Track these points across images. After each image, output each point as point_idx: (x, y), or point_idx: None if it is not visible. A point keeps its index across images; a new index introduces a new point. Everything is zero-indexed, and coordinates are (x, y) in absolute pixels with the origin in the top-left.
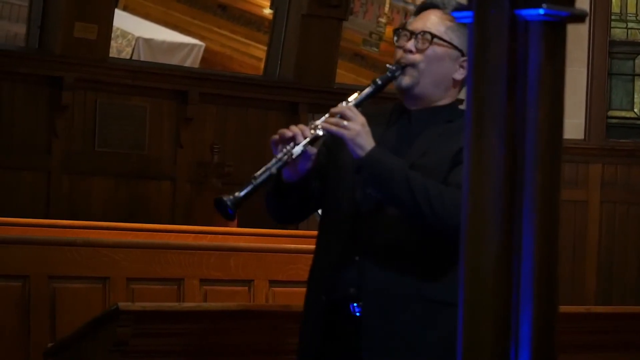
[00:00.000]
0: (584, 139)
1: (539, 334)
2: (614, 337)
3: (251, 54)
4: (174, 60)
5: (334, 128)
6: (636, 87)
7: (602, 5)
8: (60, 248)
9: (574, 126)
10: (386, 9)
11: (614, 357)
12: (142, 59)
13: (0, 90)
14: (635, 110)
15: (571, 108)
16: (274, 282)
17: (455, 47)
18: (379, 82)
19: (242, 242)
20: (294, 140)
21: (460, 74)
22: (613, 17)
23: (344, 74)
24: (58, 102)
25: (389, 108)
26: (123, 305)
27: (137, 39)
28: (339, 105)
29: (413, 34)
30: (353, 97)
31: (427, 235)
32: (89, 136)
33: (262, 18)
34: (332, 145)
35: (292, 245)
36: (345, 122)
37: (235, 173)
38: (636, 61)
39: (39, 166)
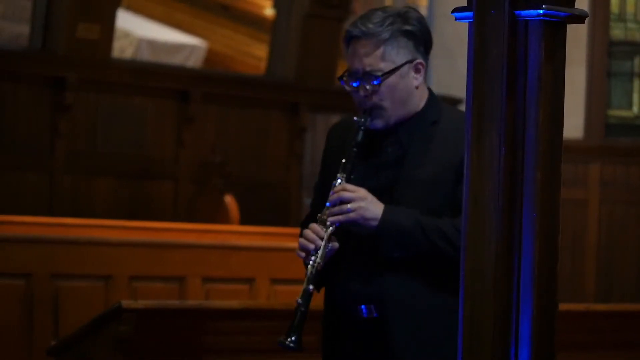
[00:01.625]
0: (583, 139)
1: (539, 332)
2: (614, 335)
3: (253, 54)
4: (176, 60)
5: (341, 218)
6: (635, 87)
7: (601, 6)
8: (63, 247)
9: (573, 126)
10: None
11: (613, 356)
12: (144, 59)
13: (4, 90)
14: (634, 109)
15: (570, 108)
16: (275, 281)
17: (401, 65)
18: (359, 140)
19: (244, 241)
20: (315, 248)
21: (418, 79)
22: (612, 17)
23: None
24: (61, 102)
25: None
26: (125, 303)
27: (140, 39)
28: (333, 189)
29: (357, 77)
30: (341, 169)
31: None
32: (92, 136)
33: (264, 18)
34: (332, 163)
35: (294, 244)
36: (348, 206)
37: (237, 172)
38: (635, 61)
39: (41, 166)
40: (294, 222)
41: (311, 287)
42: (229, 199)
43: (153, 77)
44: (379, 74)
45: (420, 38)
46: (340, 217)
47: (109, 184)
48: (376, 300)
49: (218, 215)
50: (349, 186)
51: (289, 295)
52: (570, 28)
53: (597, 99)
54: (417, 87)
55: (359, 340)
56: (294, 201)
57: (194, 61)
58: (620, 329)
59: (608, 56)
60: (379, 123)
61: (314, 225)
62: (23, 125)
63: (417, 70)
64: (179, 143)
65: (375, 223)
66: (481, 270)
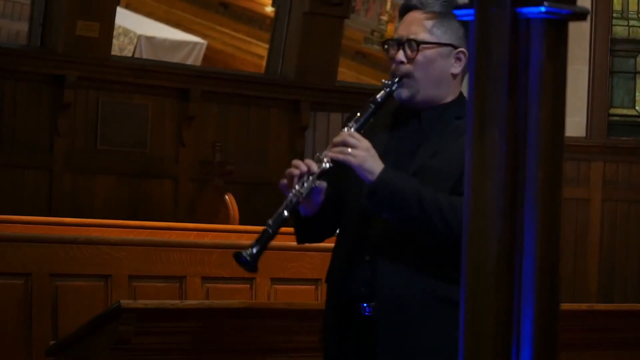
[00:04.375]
0: (586, 137)
1: (541, 332)
2: (616, 334)
3: (253, 52)
4: (176, 58)
5: (340, 156)
6: (638, 85)
7: (604, 3)
8: (62, 246)
9: (575, 124)
10: (388, 6)
11: (616, 355)
12: (144, 57)
13: (3, 88)
14: (637, 108)
15: (573, 106)
16: (275, 280)
17: (445, 44)
18: (378, 99)
19: (244, 240)
20: (301, 178)
21: (456, 68)
22: (614, 15)
23: (345, 72)
24: (60, 100)
25: (392, 108)
26: (125, 303)
27: (139, 37)
28: (341, 132)
29: (400, 44)
30: (354, 120)
31: (443, 246)
32: (91, 134)
33: (264, 16)
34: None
35: (294, 243)
36: (350, 150)
37: (237, 171)
38: (638, 59)
39: (41, 164)
40: None
41: (286, 212)
42: (229, 198)
43: (153, 75)
44: (420, 41)
45: None
46: (339, 156)
47: (109, 182)
48: (369, 298)
49: (218, 214)
50: (356, 134)
51: (290, 295)
52: (573, 26)
53: (599, 97)
54: (453, 76)
55: (354, 337)
56: None
57: (194, 59)
58: (623, 329)
59: (610, 54)
60: (405, 93)
61: (307, 160)
62: (22, 123)
63: (457, 59)
64: (179, 141)
65: (371, 177)
66: (482, 269)
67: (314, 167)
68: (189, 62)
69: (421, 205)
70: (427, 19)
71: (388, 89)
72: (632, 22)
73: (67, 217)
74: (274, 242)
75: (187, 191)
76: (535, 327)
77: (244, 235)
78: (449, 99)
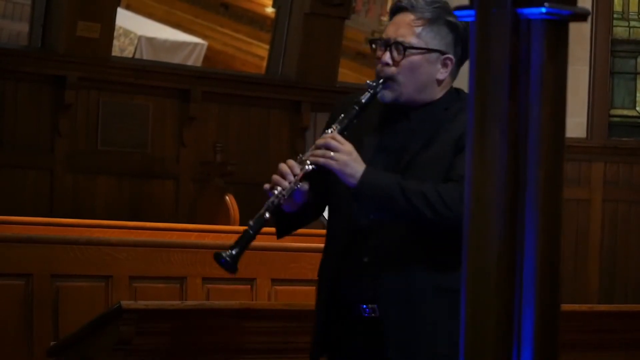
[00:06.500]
0: (586, 138)
1: (542, 332)
2: (617, 335)
3: (254, 53)
4: (177, 59)
5: (321, 160)
6: (638, 86)
7: (604, 4)
8: (63, 247)
9: (576, 125)
10: (388, 7)
11: (616, 356)
12: (144, 57)
13: (4, 89)
14: (638, 108)
15: (573, 106)
16: (276, 281)
17: (432, 50)
18: (362, 101)
19: None
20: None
21: (443, 74)
22: (615, 15)
23: (346, 73)
24: (61, 101)
25: (380, 107)
26: (126, 303)
27: (140, 37)
28: (324, 134)
29: (387, 45)
30: (337, 122)
31: (436, 234)
32: (92, 135)
33: (265, 17)
34: None
35: (295, 244)
36: (332, 153)
37: (238, 172)
38: (638, 60)
39: (42, 165)
40: None
41: (267, 214)
42: (230, 199)
43: (153, 76)
44: (407, 46)
45: (462, 37)
46: (320, 160)
47: (110, 183)
48: (370, 299)
49: (219, 214)
50: (339, 137)
51: (290, 296)
52: (573, 27)
53: (600, 98)
54: (439, 81)
55: (355, 339)
56: None
57: (195, 60)
58: (624, 330)
59: (611, 55)
60: (388, 95)
61: (290, 161)
62: (23, 124)
63: (444, 65)
64: (180, 142)
65: (353, 181)
66: (483, 269)
67: (297, 170)
68: (190, 62)
69: (406, 198)
70: (417, 23)
71: (372, 91)
72: (632, 23)
73: (68, 217)
74: (274, 243)
75: (188, 192)
76: (535, 327)
77: None
78: (437, 97)
